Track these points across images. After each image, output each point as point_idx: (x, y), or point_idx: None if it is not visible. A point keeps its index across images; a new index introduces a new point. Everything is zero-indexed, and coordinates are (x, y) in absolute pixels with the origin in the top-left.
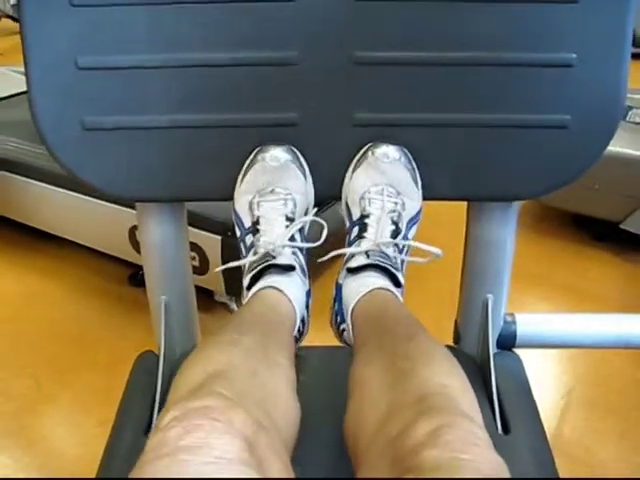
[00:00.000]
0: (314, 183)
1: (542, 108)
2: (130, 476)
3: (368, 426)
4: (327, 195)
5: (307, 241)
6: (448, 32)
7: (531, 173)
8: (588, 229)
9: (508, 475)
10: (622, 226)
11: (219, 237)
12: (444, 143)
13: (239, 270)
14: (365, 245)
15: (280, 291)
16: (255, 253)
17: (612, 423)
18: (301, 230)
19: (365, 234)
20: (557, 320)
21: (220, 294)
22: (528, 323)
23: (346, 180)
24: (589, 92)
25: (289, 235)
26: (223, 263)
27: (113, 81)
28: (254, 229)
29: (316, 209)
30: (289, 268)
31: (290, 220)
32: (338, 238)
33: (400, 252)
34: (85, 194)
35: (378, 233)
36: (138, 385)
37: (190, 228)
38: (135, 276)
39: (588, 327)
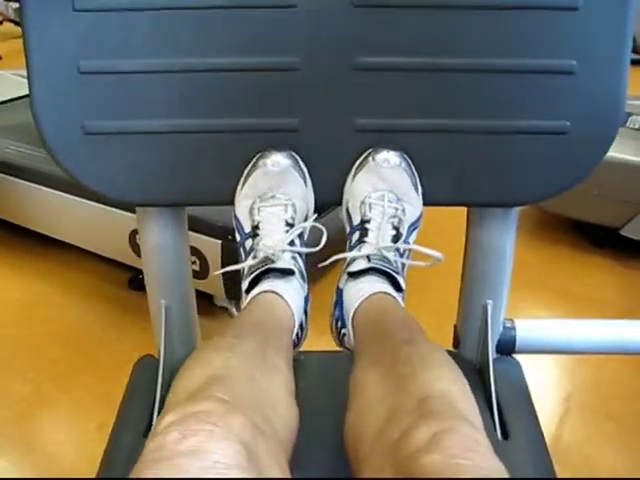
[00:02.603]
0: (315, 189)
1: (542, 115)
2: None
3: (368, 431)
4: (327, 201)
5: (307, 247)
6: (447, 38)
7: (530, 179)
8: (587, 235)
9: None
10: (622, 232)
11: (219, 241)
12: (444, 149)
13: (239, 274)
14: (366, 249)
15: (279, 295)
16: (254, 257)
17: (611, 429)
18: (301, 235)
19: (366, 239)
20: (556, 326)
21: (220, 298)
22: (527, 329)
23: (347, 185)
24: (589, 98)
25: (289, 240)
26: (223, 267)
27: (115, 85)
28: (254, 233)
29: (316, 215)
30: (288, 272)
31: (290, 225)
32: (338, 244)
33: (401, 256)
34: (85, 198)
35: (379, 237)
36: (137, 390)
37: (190, 232)
38: (135, 280)
39: (588, 333)
